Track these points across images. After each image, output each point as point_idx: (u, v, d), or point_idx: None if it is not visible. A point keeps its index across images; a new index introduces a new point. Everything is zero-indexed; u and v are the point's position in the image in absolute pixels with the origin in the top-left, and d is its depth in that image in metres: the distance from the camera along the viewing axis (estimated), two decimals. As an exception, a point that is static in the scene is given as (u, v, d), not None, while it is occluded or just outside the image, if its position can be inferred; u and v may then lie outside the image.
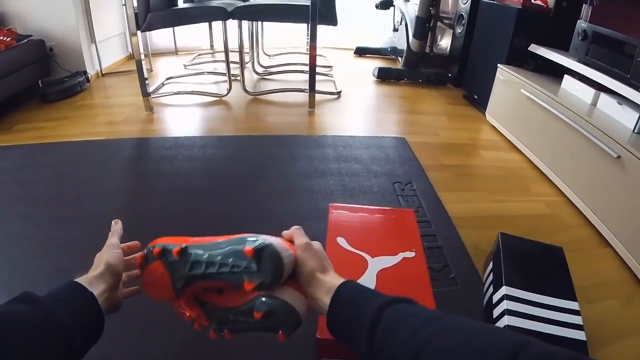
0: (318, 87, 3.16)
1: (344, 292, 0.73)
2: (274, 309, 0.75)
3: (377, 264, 1.21)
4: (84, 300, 0.73)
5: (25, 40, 2.96)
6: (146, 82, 2.85)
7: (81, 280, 0.76)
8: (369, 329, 0.63)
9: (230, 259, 0.76)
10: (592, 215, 1.93)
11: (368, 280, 1.14)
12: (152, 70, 3.91)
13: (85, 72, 3.38)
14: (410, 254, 1.26)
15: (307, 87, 3.08)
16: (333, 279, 0.77)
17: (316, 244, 0.86)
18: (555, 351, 0.47)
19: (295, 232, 0.87)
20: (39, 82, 3.15)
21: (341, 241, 1.28)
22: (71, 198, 1.90)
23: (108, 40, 3.84)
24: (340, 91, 3.49)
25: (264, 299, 0.77)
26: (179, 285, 0.82)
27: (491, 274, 1.42)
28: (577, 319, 1.19)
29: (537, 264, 1.41)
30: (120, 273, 0.83)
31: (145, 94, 2.87)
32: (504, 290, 1.26)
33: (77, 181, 2.03)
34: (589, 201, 1.97)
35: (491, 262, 1.46)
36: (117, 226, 0.93)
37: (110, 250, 0.84)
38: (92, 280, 0.77)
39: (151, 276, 0.85)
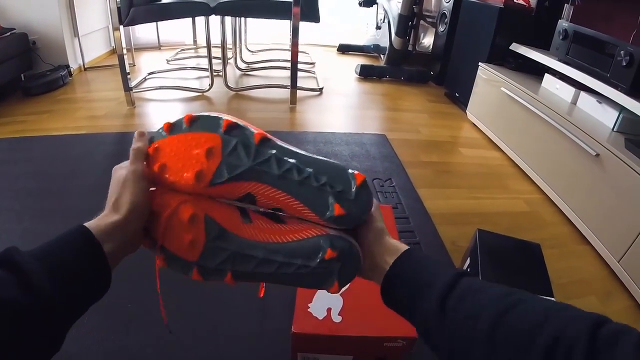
0: (300, 83, 3.18)
1: (414, 253, 0.65)
2: (346, 250, 0.63)
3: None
4: (86, 256, 0.56)
5: (8, 34, 2.91)
6: (128, 76, 2.83)
7: (96, 229, 0.58)
8: (444, 287, 0.57)
9: (325, 177, 0.63)
10: (571, 212, 1.96)
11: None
12: (134, 65, 3.87)
13: (67, 66, 3.35)
14: (386, 250, 1.27)
15: (289, 84, 3.08)
16: (398, 242, 0.67)
17: None
18: (630, 329, 0.46)
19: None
20: (21, 75, 3.11)
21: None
22: (51, 192, 1.88)
23: (91, 35, 3.80)
24: (322, 88, 3.50)
25: (337, 237, 0.64)
26: (225, 174, 0.64)
27: (468, 270, 1.43)
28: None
29: (514, 261, 1.42)
30: (147, 214, 0.65)
31: (127, 89, 2.85)
32: (479, 286, 1.27)
33: (58, 175, 2.01)
34: (568, 199, 2.01)
35: (468, 259, 1.48)
36: (141, 141, 0.68)
37: (137, 184, 0.63)
38: (110, 229, 0.59)
39: (189, 144, 0.65)
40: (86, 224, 0.59)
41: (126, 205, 0.61)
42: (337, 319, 1.08)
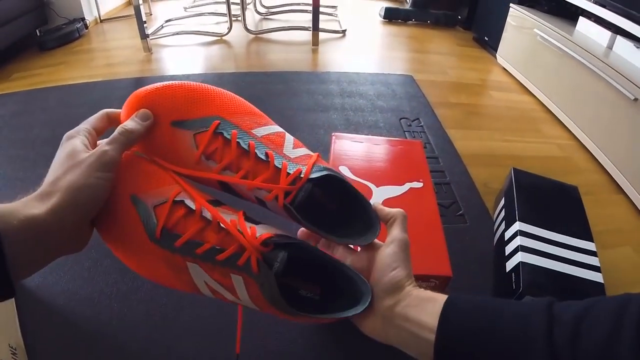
0: (322, 26, 3.08)
1: (457, 302, 0.50)
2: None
3: (382, 193, 1.16)
4: None
5: (22, -11, 2.86)
6: (145, 24, 2.78)
7: (5, 224, 0.41)
8: (546, 334, 0.42)
9: None
10: (606, 159, 1.87)
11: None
12: (151, 14, 3.80)
13: (83, 19, 3.29)
14: (417, 184, 1.21)
15: (311, 26, 2.99)
16: (429, 292, 0.53)
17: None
18: None
19: (401, 218, 0.61)
20: (37, 31, 3.07)
21: (344, 170, 1.22)
22: (66, 139, 1.84)
23: (106, -15, 3.73)
24: (345, 30, 3.40)
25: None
26: None
27: (503, 211, 1.37)
28: (594, 260, 1.14)
29: (552, 202, 1.35)
30: (98, 205, 0.50)
31: (144, 36, 2.80)
32: (517, 225, 1.21)
33: (73, 122, 1.89)
34: (602, 145, 1.92)
35: (503, 199, 1.42)
36: (141, 125, 0.55)
37: (96, 170, 0.49)
38: (26, 227, 0.42)
39: None
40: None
41: (58, 192, 0.46)
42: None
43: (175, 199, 0.52)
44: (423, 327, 0.48)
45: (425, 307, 0.50)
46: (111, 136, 0.53)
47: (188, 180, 0.56)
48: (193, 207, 0.52)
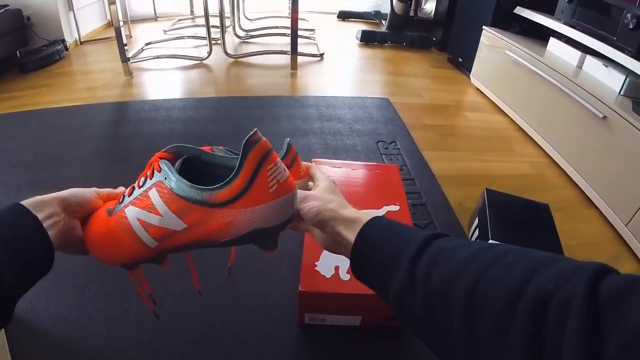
0: (300, 49, 3.13)
1: (378, 223, 0.61)
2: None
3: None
4: (23, 223, 0.58)
5: (2, 10, 2.85)
6: (125, 48, 2.79)
7: (26, 202, 0.60)
8: (413, 253, 0.51)
9: None
10: (577, 175, 1.94)
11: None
12: (131, 37, 3.82)
13: (63, 41, 3.30)
14: (394, 208, 1.26)
15: (289, 50, 3.04)
16: (358, 213, 0.65)
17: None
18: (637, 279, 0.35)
19: (317, 169, 0.80)
20: (17, 52, 3.06)
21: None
22: (49, 164, 1.86)
23: (86, 8, 3.74)
24: (323, 53, 3.46)
25: None
26: None
27: (477, 230, 1.41)
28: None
29: (523, 220, 1.40)
30: (80, 210, 0.67)
31: (124, 59, 2.82)
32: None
33: (56, 147, 1.99)
34: (574, 162, 1.98)
35: (476, 218, 1.46)
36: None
37: (83, 188, 0.70)
38: (39, 202, 0.61)
39: None
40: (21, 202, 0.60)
41: (61, 192, 0.66)
42: (345, 277, 1.05)
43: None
44: (348, 241, 0.61)
45: (352, 226, 0.62)
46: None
47: None
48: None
